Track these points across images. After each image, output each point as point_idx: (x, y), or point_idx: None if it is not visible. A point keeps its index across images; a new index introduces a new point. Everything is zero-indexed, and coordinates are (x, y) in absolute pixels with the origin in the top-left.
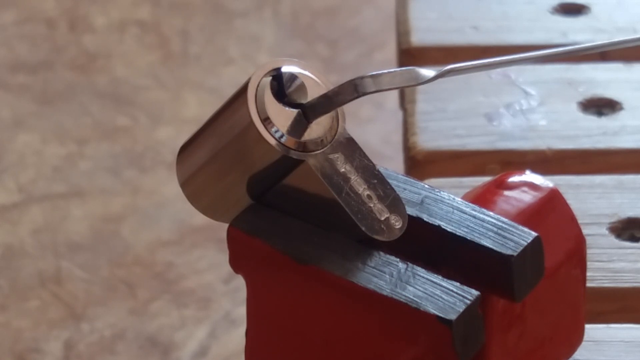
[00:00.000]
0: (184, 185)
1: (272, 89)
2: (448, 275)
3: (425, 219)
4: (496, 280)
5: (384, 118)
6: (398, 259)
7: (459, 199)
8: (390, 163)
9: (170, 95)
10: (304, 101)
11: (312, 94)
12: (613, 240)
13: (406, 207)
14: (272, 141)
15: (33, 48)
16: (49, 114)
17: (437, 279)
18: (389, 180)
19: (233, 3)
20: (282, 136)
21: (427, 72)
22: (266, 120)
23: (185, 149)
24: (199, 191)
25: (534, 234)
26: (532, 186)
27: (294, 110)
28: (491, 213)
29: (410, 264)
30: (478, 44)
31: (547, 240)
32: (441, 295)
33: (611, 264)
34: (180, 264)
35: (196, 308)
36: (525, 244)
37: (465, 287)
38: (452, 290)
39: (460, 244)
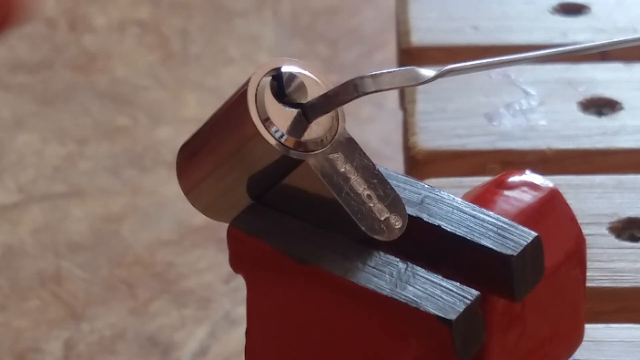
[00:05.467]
0: (184, 185)
1: (272, 89)
2: (448, 275)
3: (425, 219)
4: (496, 280)
5: (384, 118)
6: (398, 259)
7: (459, 199)
8: (390, 163)
9: (170, 95)
10: (304, 101)
11: (312, 93)
12: (613, 240)
13: (406, 207)
14: (272, 141)
15: (33, 48)
16: (49, 114)
17: (437, 278)
18: (389, 180)
19: (233, 3)
20: (282, 136)
21: (427, 72)
22: (266, 120)
23: (185, 149)
24: (199, 191)
25: (534, 233)
26: (532, 186)
27: (294, 110)
28: (491, 213)
29: (410, 264)
30: (478, 44)
31: (547, 240)
32: (441, 295)
33: (611, 264)
34: (180, 264)
35: (196, 308)
36: (525, 243)
37: (465, 287)
38: (452, 290)
39: (460, 243)
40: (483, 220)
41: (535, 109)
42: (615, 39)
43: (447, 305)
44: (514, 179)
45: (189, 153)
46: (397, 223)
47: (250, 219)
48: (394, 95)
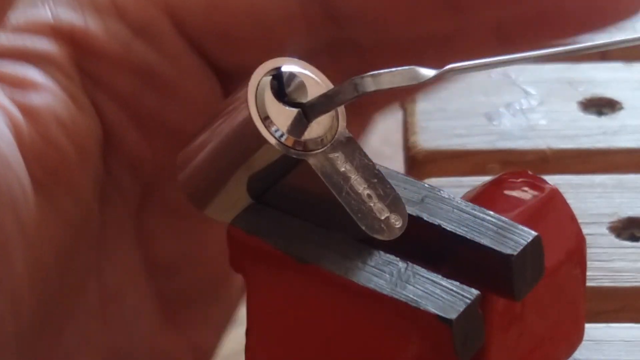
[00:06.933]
0: (184, 184)
1: (272, 88)
2: (448, 274)
3: (425, 218)
4: (496, 279)
5: (384, 118)
6: (398, 258)
7: (459, 199)
8: (390, 162)
9: None
10: (304, 100)
11: (312, 93)
12: (613, 239)
13: (406, 206)
14: (272, 140)
15: None
16: None
17: (437, 278)
18: (389, 180)
19: None
20: (282, 135)
21: (427, 71)
22: (266, 120)
23: (185, 149)
24: (198, 190)
25: (534, 233)
26: (532, 186)
27: (294, 109)
28: (491, 212)
29: (410, 263)
30: None
31: (547, 240)
32: (441, 295)
33: (611, 264)
34: None
35: None
36: (525, 243)
37: (465, 287)
38: (452, 290)
39: (460, 243)
40: (483, 219)
41: (535, 109)
42: (615, 39)
43: (447, 305)
44: (514, 178)
45: (189, 152)
46: (397, 222)
47: (250, 218)
48: None
